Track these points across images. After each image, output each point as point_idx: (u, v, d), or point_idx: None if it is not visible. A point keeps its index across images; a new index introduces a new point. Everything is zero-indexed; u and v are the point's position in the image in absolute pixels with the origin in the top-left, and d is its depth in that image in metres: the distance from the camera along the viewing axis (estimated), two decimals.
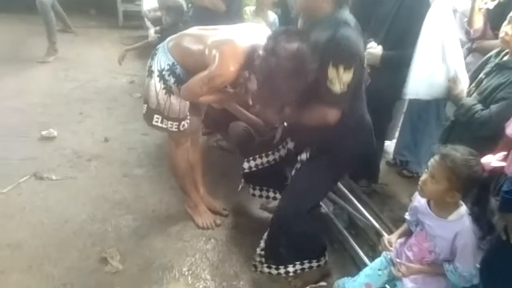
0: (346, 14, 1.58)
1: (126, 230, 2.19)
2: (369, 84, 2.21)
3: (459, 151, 1.38)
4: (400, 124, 2.93)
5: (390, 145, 3.04)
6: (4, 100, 3.37)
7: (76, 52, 4.64)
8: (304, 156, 1.77)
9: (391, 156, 3.00)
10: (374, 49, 2.18)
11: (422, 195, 1.50)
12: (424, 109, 2.66)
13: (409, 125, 2.82)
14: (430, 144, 2.66)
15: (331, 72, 1.48)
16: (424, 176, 1.45)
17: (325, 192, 1.91)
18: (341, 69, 1.47)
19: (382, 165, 2.88)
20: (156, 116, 1.99)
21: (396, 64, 2.13)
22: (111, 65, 3.94)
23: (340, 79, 1.48)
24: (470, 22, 2.08)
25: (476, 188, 1.40)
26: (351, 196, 2.21)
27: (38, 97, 3.50)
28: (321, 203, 2.14)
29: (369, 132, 1.81)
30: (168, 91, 1.92)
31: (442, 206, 1.45)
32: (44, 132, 2.94)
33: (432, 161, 1.42)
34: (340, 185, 2.28)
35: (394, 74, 2.14)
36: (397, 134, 2.97)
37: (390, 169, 2.93)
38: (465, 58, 2.00)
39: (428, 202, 1.52)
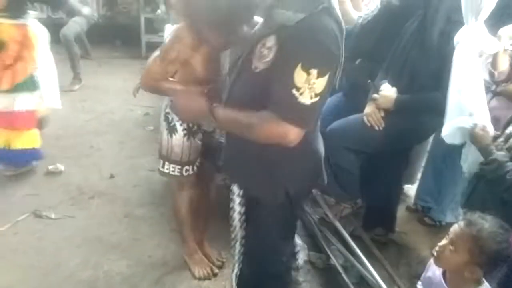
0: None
1: (118, 278, 2.05)
2: (383, 128, 2.04)
3: (488, 222, 1.19)
4: (422, 167, 2.71)
5: (411, 189, 2.81)
6: None
7: (97, 83, 4.69)
8: (236, 190, 1.35)
9: (412, 201, 2.76)
10: (388, 91, 2.01)
11: (438, 264, 1.31)
12: (449, 152, 2.44)
13: (432, 169, 2.59)
14: (455, 191, 2.44)
15: (299, 76, 1.08)
16: (443, 242, 1.27)
17: (282, 249, 1.46)
18: (313, 74, 1.08)
19: (402, 211, 2.65)
20: (161, 161, 1.89)
21: (412, 109, 1.96)
22: (129, 96, 3.92)
23: (311, 87, 1.09)
24: (494, 64, 1.88)
25: (504, 268, 1.19)
26: (358, 252, 2.00)
27: (53, 128, 3.48)
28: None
29: (317, 166, 1.37)
30: (171, 130, 1.82)
31: (459, 282, 1.25)
32: (51, 167, 2.90)
33: (455, 227, 1.24)
34: (346, 236, 2.10)
35: (411, 119, 1.97)
36: (419, 177, 2.74)
37: (410, 215, 2.69)
38: (488, 102, 1.80)
39: (444, 274, 1.31)
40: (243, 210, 1.35)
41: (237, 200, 1.35)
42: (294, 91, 1.09)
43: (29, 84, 2.67)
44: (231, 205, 1.38)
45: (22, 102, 2.64)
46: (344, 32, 1.17)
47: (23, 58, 2.61)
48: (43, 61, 2.79)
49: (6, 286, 1.94)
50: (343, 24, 1.16)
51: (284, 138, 1.14)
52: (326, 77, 1.10)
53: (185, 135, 1.81)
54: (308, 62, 1.07)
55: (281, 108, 1.12)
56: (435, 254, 1.28)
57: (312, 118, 1.19)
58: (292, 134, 1.13)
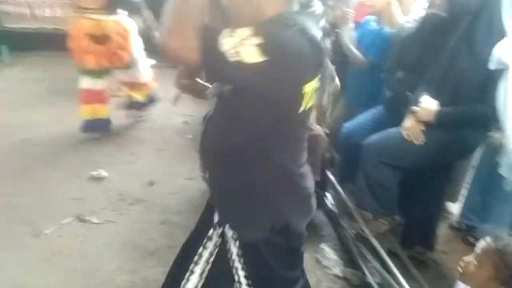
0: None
1: (153, 285, 2.09)
2: (424, 143, 1.97)
3: None
4: (467, 183, 2.59)
5: (454, 206, 2.69)
6: (68, 137, 3.56)
7: None
8: (229, 232, 1.25)
9: (455, 219, 2.64)
10: (428, 103, 1.94)
11: (463, 280, 1.27)
12: (496, 168, 2.32)
13: (478, 186, 2.48)
14: (502, 209, 2.31)
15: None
16: (468, 257, 1.23)
17: (290, 277, 1.34)
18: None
19: (443, 229, 2.54)
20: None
21: (456, 121, 1.88)
22: (169, 105, 4.03)
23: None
24: None
25: None
26: (395, 270, 1.93)
27: (96, 134, 3.65)
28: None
29: (305, 203, 1.27)
30: None
31: None
32: (94, 173, 3.02)
33: (481, 242, 1.22)
34: (383, 253, 2.03)
35: (453, 132, 1.89)
36: (463, 193, 2.62)
37: (453, 234, 2.57)
38: None
39: None
40: (240, 252, 1.26)
41: (232, 241, 1.26)
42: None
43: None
44: (227, 247, 1.28)
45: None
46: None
47: (124, 46, 3.39)
48: (136, 46, 3.55)
49: None
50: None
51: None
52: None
53: None
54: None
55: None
56: (460, 270, 1.25)
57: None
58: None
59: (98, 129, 3.58)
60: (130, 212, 2.67)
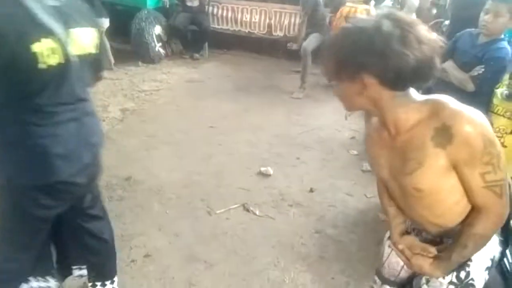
0: None
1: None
2: None
3: None
4: None
5: None
6: (244, 131, 3.95)
7: (316, 96, 5.02)
8: None
9: None
10: None
11: None
12: None
13: None
14: None
15: None
16: None
17: (11, 244, 1.55)
18: None
19: None
20: None
21: None
22: (340, 117, 4.09)
23: None
24: None
25: None
26: None
27: (268, 135, 3.94)
28: None
29: (42, 162, 1.39)
30: None
31: None
32: (263, 169, 3.28)
33: None
34: None
35: None
36: None
37: None
38: None
39: None
40: None
41: None
42: None
43: None
44: None
45: None
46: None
47: None
48: None
49: (213, 263, 2.31)
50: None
51: None
52: None
53: None
54: None
55: None
56: None
57: None
58: None
59: None
60: (288, 213, 2.82)
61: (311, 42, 4.91)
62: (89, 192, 1.70)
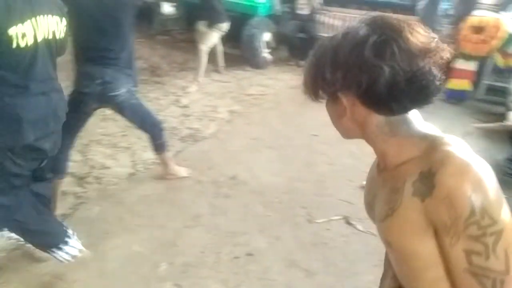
0: None
1: None
2: None
3: None
4: None
5: None
6: (347, 142, 3.79)
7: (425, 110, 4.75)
8: None
9: None
10: None
11: None
12: None
13: None
14: None
15: None
16: None
17: None
18: None
19: None
20: None
21: None
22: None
23: None
24: None
25: None
26: None
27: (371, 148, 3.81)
28: None
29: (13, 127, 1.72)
30: None
31: None
32: (364, 182, 3.18)
33: None
34: None
35: None
36: None
37: None
38: None
39: None
40: None
41: None
42: None
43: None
44: None
45: None
46: None
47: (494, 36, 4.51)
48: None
49: (313, 272, 2.31)
50: None
51: None
52: None
53: None
54: None
55: None
56: None
57: None
58: None
59: (459, 97, 4.81)
60: None
61: None
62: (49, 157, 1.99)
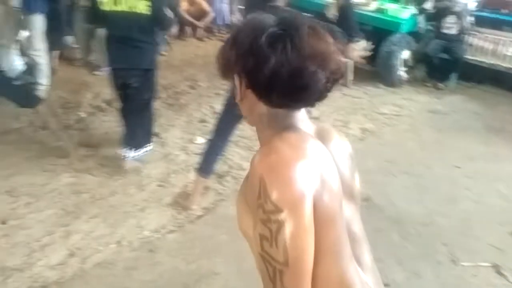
0: None
1: None
2: None
3: None
4: None
5: None
6: (495, 180, 3.48)
7: None
8: None
9: None
10: None
11: None
12: None
13: None
14: None
15: None
16: None
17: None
18: None
19: None
20: None
21: None
22: None
23: None
24: None
25: None
26: None
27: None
28: None
29: None
30: None
31: None
32: None
33: None
34: None
35: None
36: None
37: None
38: None
39: None
40: None
41: None
42: None
43: None
44: None
45: None
46: None
47: None
48: None
49: None
50: None
51: None
52: None
53: None
54: None
55: None
56: None
57: None
58: None
59: None
60: None
61: None
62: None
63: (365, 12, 5.59)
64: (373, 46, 5.26)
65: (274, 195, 0.75)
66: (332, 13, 4.89)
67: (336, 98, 5.12)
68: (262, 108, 0.88)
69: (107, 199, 2.86)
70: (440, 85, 5.72)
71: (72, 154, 3.32)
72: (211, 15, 7.09)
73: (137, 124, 3.17)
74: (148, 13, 2.87)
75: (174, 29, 6.21)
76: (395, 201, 3.11)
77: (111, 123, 3.95)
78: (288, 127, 0.88)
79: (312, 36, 0.83)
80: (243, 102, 0.92)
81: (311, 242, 0.77)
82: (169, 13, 3.25)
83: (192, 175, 3.03)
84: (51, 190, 2.90)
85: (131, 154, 3.15)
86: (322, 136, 0.94)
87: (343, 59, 0.88)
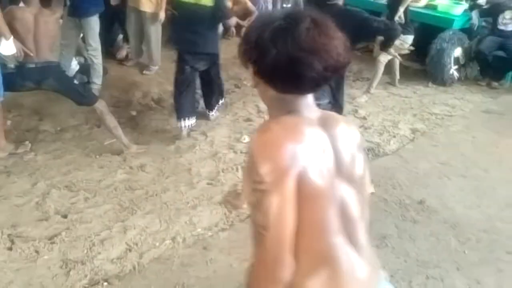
0: None
1: None
2: None
3: None
4: None
5: None
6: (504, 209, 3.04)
7: None
8: None
9: None
10: None
11: None
12: None
13: None
14: None
15: None
16: None
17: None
18: None
19: None
20: None
21: None
22: None
23: None
24: None
25: None
26: None
27: None
28: None
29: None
30: None
31: None
32: None
33: None
34: None
35: None
36: None
37: None
38: None
39: None
40: None
41: None
42: None
43: None
44: None
45: None
46: None
47: None
48: None
49: None
50: None
51: None
52: None
53: None
54: None
55: None
56: None
57: None
58: None
59: None
60: None
61: None
62: None
63: (414, 8, 5.40)
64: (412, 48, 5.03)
65: (262, 168, 0.88)
66: None
67: (383, 97, 5.00)
68: (272, 92, 0.99)
69: (160, 196, 2.92)
70: (495, 84, 5.45)
71: (125, 151, 3.42)
72: (256, 14, 7.10)
73: (214, 91, 3.99)
74: (211, 4, 3.41)
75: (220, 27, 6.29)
76: (452, 205, 2.98)
77: (160, 121, 4.05)
78: (292, 111, 0.99)
79: (314, 30, 0.92)
80: (258, 87, 1.03)
81: (289, 212, 0.88)
82: (228, 4, 3.94)
83: (241, 174, 3.05)
84: (107, 185, 3.01)
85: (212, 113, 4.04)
86: (325, 122, 1.01)
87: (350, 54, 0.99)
